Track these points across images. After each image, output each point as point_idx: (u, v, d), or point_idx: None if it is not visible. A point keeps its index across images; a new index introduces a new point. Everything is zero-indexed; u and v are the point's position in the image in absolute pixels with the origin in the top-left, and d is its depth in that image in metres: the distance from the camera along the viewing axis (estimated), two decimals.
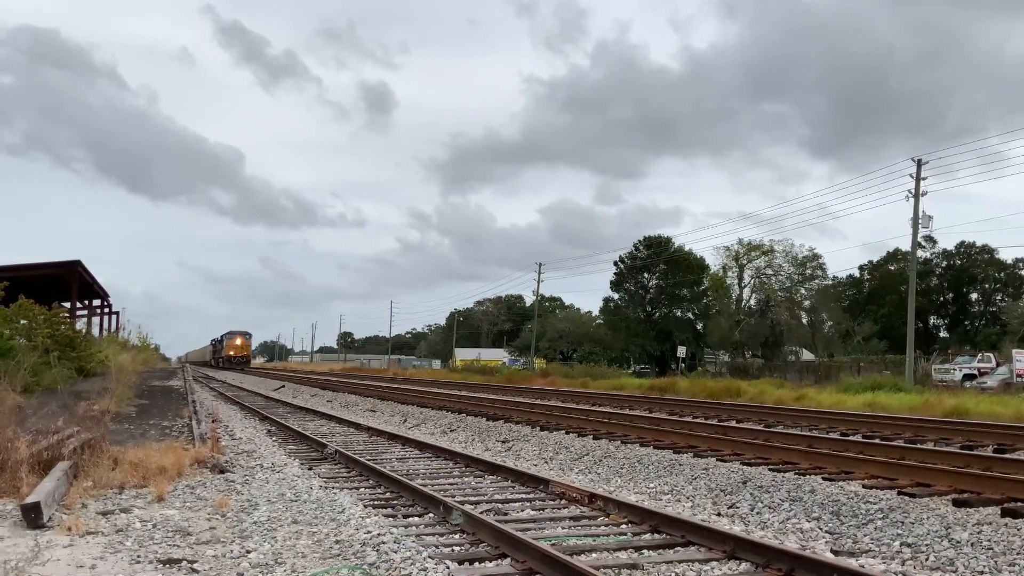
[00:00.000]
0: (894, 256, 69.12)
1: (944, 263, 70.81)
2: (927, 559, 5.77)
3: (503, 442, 13.17)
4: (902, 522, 6.55)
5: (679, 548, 6.05)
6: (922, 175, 36.62)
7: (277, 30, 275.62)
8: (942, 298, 71.40)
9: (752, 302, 67.74)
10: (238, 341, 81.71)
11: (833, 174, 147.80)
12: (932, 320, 72.53)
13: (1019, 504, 6.89)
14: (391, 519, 7.08)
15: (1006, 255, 68.79)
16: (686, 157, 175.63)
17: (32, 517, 6.38)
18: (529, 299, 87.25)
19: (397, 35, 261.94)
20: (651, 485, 9.01)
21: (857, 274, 73.28)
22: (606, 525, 6.90)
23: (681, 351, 52.75)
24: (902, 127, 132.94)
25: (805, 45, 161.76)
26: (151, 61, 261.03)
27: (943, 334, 71.18)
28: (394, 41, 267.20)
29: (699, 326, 69.85)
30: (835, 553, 6.07)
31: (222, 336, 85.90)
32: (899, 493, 7.53)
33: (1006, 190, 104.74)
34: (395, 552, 5.58)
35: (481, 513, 6.97)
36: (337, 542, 6.13)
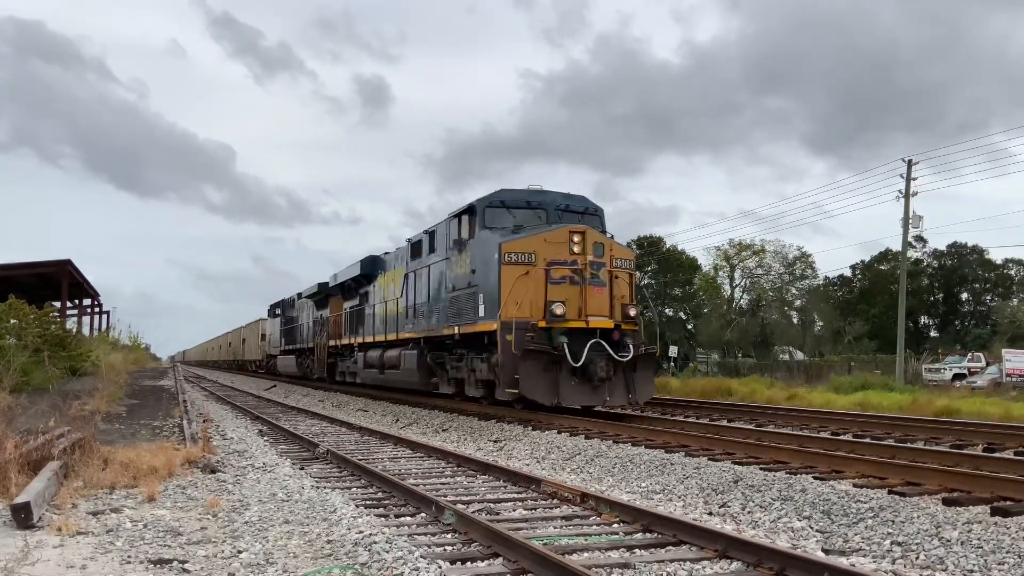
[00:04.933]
0: (885, 256, 69.38)
1: (935, 263, 71.15)
2: (917, 558, 5.80)
3: (495, 441, 13.16)
4: (892, 521, 6.58)
5: (671, 547, 6.06)
6: (917, 175, 36.72)
7: (271, 21, 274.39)
8: (932, 298, 71.70)
9: (743, 302, 67.94)
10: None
11: (833, 171, 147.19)
12: (923, 320, 72.82)
13: (1008, 503, 6.92)
14: (383, 519, 7.07)
15: (996, 255, 69.28)
16: (685, 154, 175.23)
17: (22, 517, 6.35)
18: None
19: (394, 26, 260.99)
20: (643, 484, 9.02)
21: (849, 274, 73.59)
22: (598, 524, 6.91)
23: (673, 351, 52.80)
24: (906, 123, 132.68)
25: (809, 39, 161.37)
26: (141, 54, 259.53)
27: (933, 334, 71.47)
28: (391, 32, 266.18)
29: (690, 325, 69.96)
30: (826, 552, 6.09)
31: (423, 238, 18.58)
32: (889, 492, 7.55)
33: (998, 190, 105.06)
34: (387, 552, 5.57)
35: (473, 513, 6.97)
36: (329, 542, 6.12)
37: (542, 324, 13.98)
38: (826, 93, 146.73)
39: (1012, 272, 70.22)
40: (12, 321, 22.53)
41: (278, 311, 41.38)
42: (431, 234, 18.49)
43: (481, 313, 15.05)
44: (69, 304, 40.71)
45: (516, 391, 13.90)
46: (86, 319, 45.68)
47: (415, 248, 19.72)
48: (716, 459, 9.77)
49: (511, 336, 13.86)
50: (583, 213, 16.38)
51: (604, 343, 14.02)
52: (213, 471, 9.55)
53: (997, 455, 10.20)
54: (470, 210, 16.12)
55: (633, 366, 14.37)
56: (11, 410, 11.35)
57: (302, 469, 10.23)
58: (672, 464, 9.55)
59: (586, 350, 13.71)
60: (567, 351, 13.67)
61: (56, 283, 35.11)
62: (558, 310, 14.00)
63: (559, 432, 12.95)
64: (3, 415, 10.08)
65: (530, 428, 13.74)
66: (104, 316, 49.70)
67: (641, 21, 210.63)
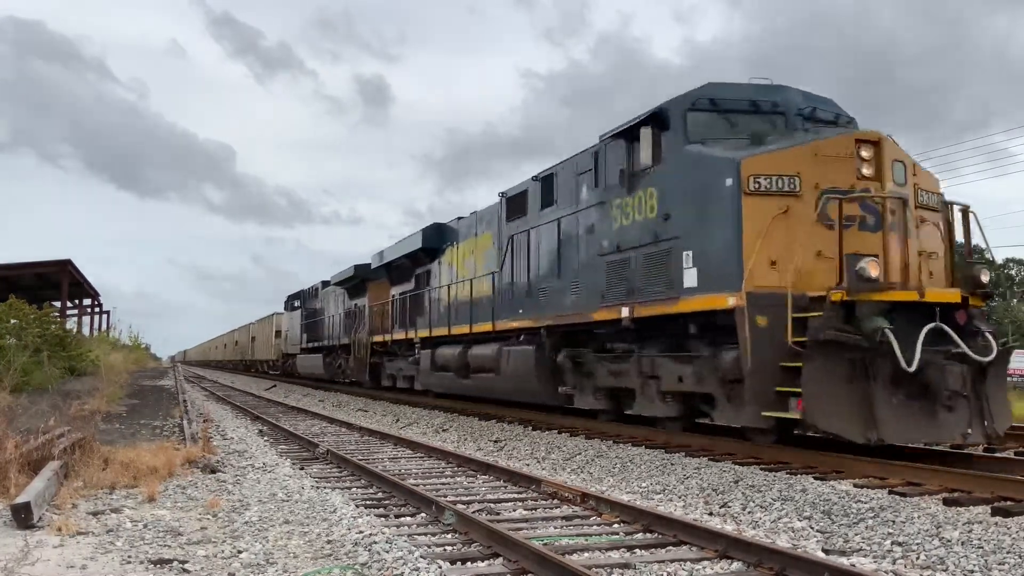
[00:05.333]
0: None
1: None
2: (918, 558, 5.79)
3: (495, 442, 13.16)
4: (893, 521, 6.57)
5: (671, 547, 6.06)
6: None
7: (271, 21, 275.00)
8: None
9: None
10: None
11: None
12: None
13: (1009, 503, 6.92)
14: (383, 519, 7.07)
15: (996, 255, 69.38)
16: None
17: (22, 517, 6.35)
18: None
19: (394, 26, 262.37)
20: (643, 484, 9.01)
21: None
22: (598, 524, 6.90)
23: None
24: (906, 123, 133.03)
25: (810, 38, 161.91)
26: (141, 54, 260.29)
27: None
28: (391, 32, 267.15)
29: None
30: (826, 552, 6.08)
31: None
32: (890, 492, 7.55)
33: (998, 190, 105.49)
34: (387, 552, 5.57)
35: (473, 513, 6.96)
36: (329, 542, 6.12)
37: (837, 297, 8.05)
38: (826, 92, 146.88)
39: (1012, 272, 70.26)
40: (12, 321, 22.55)
41: (296, 303, 35.95)
42: (547, 179, 13.02)
43: (690, 281, 9.31)
44: (69, 304, 40.73)
45: (783, 414, 8.38)
46: (86, 319, 45.72)
47: (513, 204, 14.24)
48: (716, 459, 9.76)
49: (765, 318, 8.25)
50: (834, 124, 9.92)
51: (950, 331, 8.19)
52: (213, 471, 9.55)
53: (998, 455, 10.19)
54: (656, 118, 9.96)
55: (982, 372, 8.48)
56: (11, 410, 11.35)
57: (302, 469, 10.23)
58: (672, 464, 9.54)
59: (920, 343, 7.84)
60: (895, 345, 7.77)
61: (56, 283, 35.14)
62: (871, 270, 7.98)
63: (560, 432, 12.95)
64: (3, 415, 10.07)
65: (530, 428, 13.75)
66: (104, 316, 49.75)
67: (642, 21, 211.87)
